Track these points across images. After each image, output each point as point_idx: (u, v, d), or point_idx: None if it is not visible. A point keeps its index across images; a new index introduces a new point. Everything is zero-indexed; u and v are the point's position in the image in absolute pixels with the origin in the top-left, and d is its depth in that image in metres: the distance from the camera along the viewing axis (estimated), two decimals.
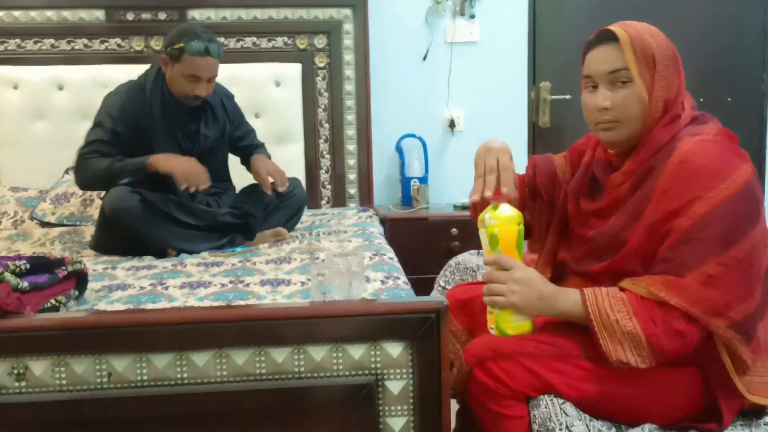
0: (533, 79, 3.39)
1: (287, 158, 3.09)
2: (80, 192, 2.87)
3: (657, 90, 1.36)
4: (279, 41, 3.18)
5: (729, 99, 3.51)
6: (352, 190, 3.27)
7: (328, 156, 3.26)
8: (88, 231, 2.63)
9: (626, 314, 1.28)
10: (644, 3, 3.41)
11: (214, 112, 2.54)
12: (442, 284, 2.16)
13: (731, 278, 1.26)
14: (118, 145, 2.36)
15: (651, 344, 1.26)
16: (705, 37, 3.46)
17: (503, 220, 1.39)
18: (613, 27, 1.39)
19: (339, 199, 3.27)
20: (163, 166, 2.29)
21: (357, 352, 1.25)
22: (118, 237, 2.29)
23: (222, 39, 2.85)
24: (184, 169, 2.29)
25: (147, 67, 2.86)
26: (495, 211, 1.40)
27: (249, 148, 2.68)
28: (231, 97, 2.67)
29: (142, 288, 1.82)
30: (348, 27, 3.18)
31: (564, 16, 3.43)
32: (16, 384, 1.21)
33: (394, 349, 1.26)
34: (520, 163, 3.39)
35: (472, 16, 3.32)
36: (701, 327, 1.27)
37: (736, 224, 1.27)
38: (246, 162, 2.65)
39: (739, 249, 1.26)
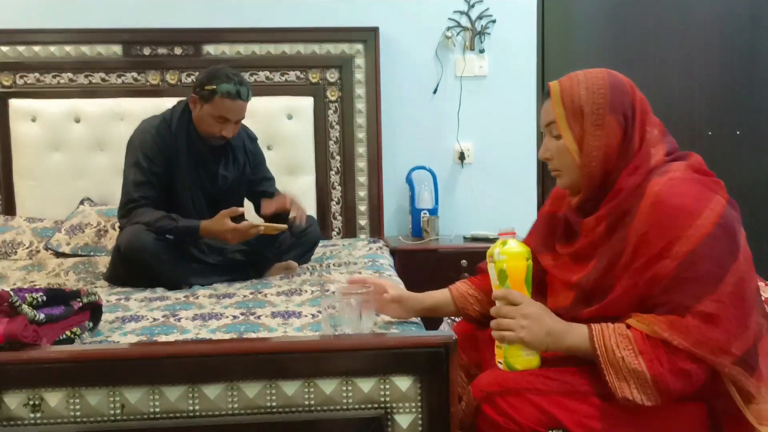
0: None
1: (298, 189, 3.12)
2: (95, 223, 2.92)
3: (589, 139, 1.40)
4: (292, 75, 3.24)
5: (738, 132, 3.53)
6: (363, 222, 3.30)
7: (339, 187, 3.30)
8: (102, 261, 2.66)
9: (632, 352, 1.29)
10: (652, 36, 3.46)
11: (234, 154, 2.58)
12: (450, 321, 2.17)
13: (728, 314, 1.27)
14: (156, 183, 2.40)
15: (656, 383, 1.27)
16: (714, 70, 3.49)
17: (512, 255, 1.41)
18: (552, 82, 1.46)
19: (350, 230, 3.30)
20: (216, 236, 2.32)
21: (366, 385, 1.27)
22: (131, 272, 2.32)
23: None
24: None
25: (162, 100, 2.95)
26: (504, 246, 1.42)
27: (266, 196, 2.64)
28: (254, 139, 2.71)
29: (155, 320, 1.84)
30: (359, 61, 3.24)
31: (573, 50, 3.48)
32: (32, 415, 1.24)
33: (404, 383, 1.27)
34: (531, 197, 3.42)
35: (482, 51, 3.37)
36: (706, 366, 1.28)
37: (720, 260, 1.30)
38: (259, 211, 2.63)
39: (728, 284, 1.28)
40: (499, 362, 1.42)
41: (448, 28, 3.34)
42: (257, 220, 2.56)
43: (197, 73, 3.12)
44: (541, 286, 1.58)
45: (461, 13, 3.35)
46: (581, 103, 1.40)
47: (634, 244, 1.35)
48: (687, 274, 1.28)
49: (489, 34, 3.36)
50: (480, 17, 3.35)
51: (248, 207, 2.70)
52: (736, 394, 1.31)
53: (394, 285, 1.82)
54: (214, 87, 2.36)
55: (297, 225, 2.45)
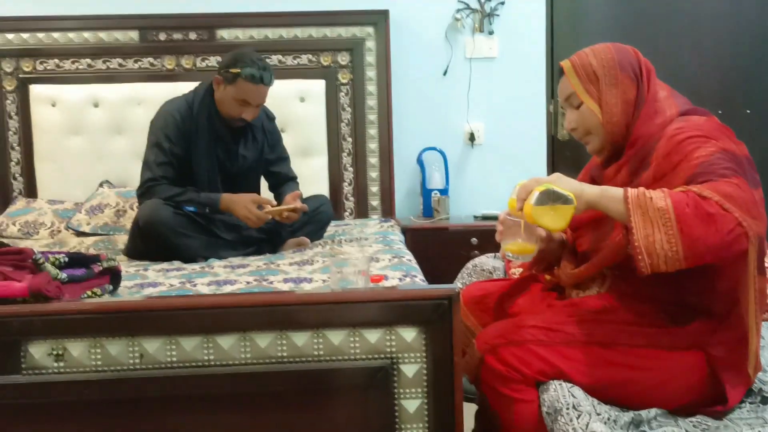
0: (552, 93, 3.46)
1: (311, 171, 3.19)
2: (114, 203, 2.99)
3: (607, 97, 1.50)
4: (304, 59, 3.30)
5: (748, 111, 3.53)
6: (375, 202, 3.36)
7: (351, 169, 3.35)
8: (121, 239, 2.74)
9: (662, 195, 1.30)
10: (663, 16, 3.47)
11: (254, 134, 2.64)
12: (460, 286, 2.22)
13: (745, 199, 1.30)
14: (176, 165, 2.47)
15: (679, 221, 1.26)
16: (725, 50, 3.50)
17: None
18: (563, 61, 1.57)
19: (362, 211, 3.35)
20: (233, 209, 2.41)
21: (373, 336, 1.32)
22: (150, 245, 2.39)
23: None
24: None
25: (178, 84, 3.01)
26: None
27: (280, 176, 2.73)
28: (273, 118, 2.77)
29: (171, 285, 1.91)
30: (370, 44, 3.29)
31: (582, 31, 3.50)
32: (55, 364, 1.30)
33: (409, 334, 1.32)
34: (541, 176, 3.45)
35: (491, 33, 3.41)
36: (733, 219, 1.26)
37: (736, 166, 1.34)
38: (274, 190, 2.72)
39: (743, 183, 1.33)
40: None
41: (458, 10, 3.38)
42: (269, 197, 2.64)
43: (212, 58, 3.21)
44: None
45: None
46: (593, 69, 1.51)
47: (653, 169, 1.41)
48: (707, 168, 1.33)
49: (498, 15, 3.39)
50: None
51: (263, 185, 2.78)
52: (752, 299, 1.34)
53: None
54: (239, 70, 2.41)
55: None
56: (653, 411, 1.34)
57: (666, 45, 3.45)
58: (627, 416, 1.32)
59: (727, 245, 1.27)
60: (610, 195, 1.35)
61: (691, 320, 1.41)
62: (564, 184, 1.37)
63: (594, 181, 1.58)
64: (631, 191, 1.32)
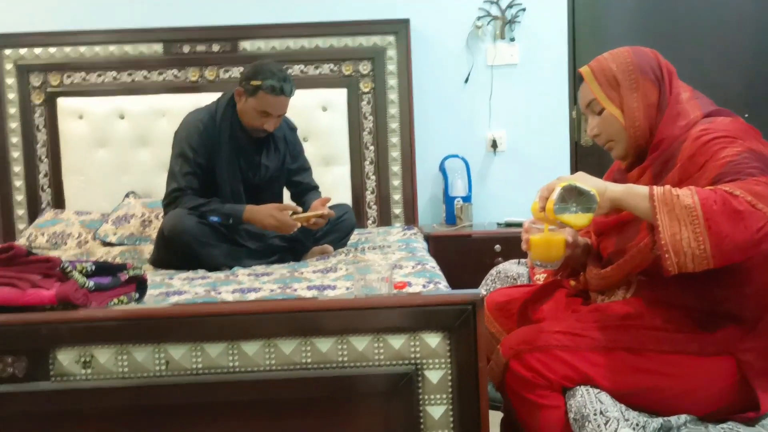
0: (574, 99, 3.44)
1: (334, 180, 3.21)
2: (139, 214, 3.03)
3: (629, 102, 1.49)
4: (325, 68, 3.32)
5: None
6: (397, 210, 3.36)
7: (373, 177, 3.36)
8: (147, 249, 2.77)
9: (688, 193, 1.28)
10: (686, 19, 3.44)
11: (276, 144, 2.66)
12: (484, 292, 2.21)
13: None
14: (200, 175, 2.49)
15: (707, 218, 1.23)
16: (750, 51, 3.46)
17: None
18: (582, 67, 1.56)
19: (384, 219, 3.35)
20: (258, 220, 2.42)
21: (397, 342, 1.31)
22: (175, 255, 2.41)
23: None
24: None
25: (201, 96, 3.04)
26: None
27: (302, 186, 2.74)
28: (294, 129, 2.79)
29: (196, 294, 1.92)
30: (391, 53, 3.30)
31: (604, 36, 3.48)
32: (83, 371, 1.31)
33: (433, 340, 1.31)
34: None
35: (512, 39, 3.40)
36: (763, 216, 1.24)
37: (764, 164, 1.31)
38: (297, 199, 2.73)
39: None
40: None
41: (479, 18, 3.38)
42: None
43: (234, 69, 3.24)
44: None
45: (491, 2, 3.39)
46: (614, 73, 1.50)
47: (678, 171, 1.39)
48: (735, 167, 1.30)
49: (519, 22, 3.39)
50: (510, 6, 3.38)
51: (286, 196, 2.79)
52: None
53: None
54: (259, 82, 2.44)
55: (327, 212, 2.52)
56: (683, 417, 1.32)
57: (690, 48, 3.42)
58: (656, 422, 1.29)
59: (756, 243, 1.24)
60: (635, 192, 1.33)
61: (720, 326, 1.39)
62: (588, 181, 1.36)
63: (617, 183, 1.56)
64: (657, 189, 1.30)
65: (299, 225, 2.41)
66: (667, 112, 1.47)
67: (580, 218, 1.33)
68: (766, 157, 1.35)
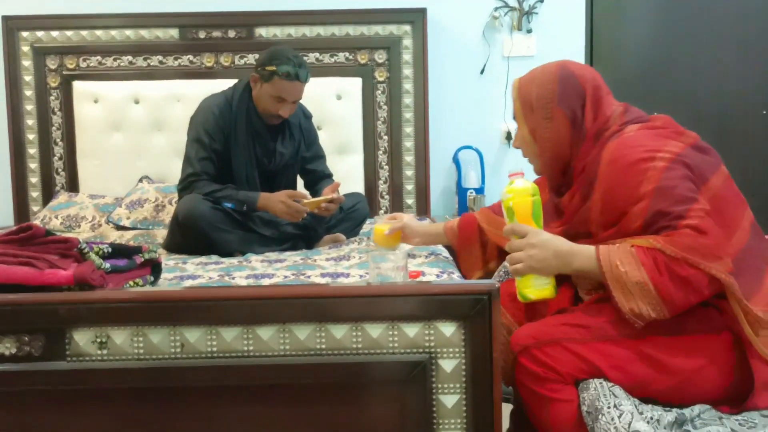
0: None
1: (347, 169, 3.20)
2: (153, 199, 3.04)
3: (540, 132, 1.50)
4: (341, 56, 3.31)
5: None
6: (410, 201, 3.35)
7: (386, 167, 3.35)
8: (160, 234, 2.78)
9: (635, 265, 1.33)
10: (706, 12, 3.40)
11: (291, 131, 2.65)
12: (497, 284, 2.20)
13: (715, 219, 1.33)
14: (215, 160, 2.50)
15: (659, 291, 1.31)
16: None
17: (517, 192, 1.48)
18: (516, 78, 1.59)
19: (397, 209, 3.34)
20: (270, 206, 2.41)
21: (412, 330, 1.32)
22: (188, 239, 2.42)
23: None
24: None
25: (217, 82, 3.05)
26: (510, 185, 1.49)
27: (316, 174, 2.73)
28: (309, 116, 2.78)
29: (210, 278, 1.93)
30: (407, 42, 3.29)
31: (622, 28, 3.45)
32: (99, 351, 1.32)
33: (448, 329, 1.31)
34: None
35: (529, 31, 3.38)
36: (704, 274, 1.31)
37: (689, 183, 1.35)
38: (310, 188, 2.73)
39: (709, 189, 1.36)
40: (518, 296, 1.49)
41: (496, 9, 3.36)
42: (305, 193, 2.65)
43: (250, 55, 3.24)
44: None
45: None
46: (531, 99, 1.51)
47: (600, 202, 1.42)
48: (662, 204, 1.34)
49: (536, 13, 3.37)
50: None
51: (299, 184, 2.79)
52: (744, 321, 1.33)
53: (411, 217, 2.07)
54: (275, 68, 2.43)
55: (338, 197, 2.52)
56: (697, 409, 1.31)
57: (709, 42, 3.39)
58: (670, 416, 1.29)
59: (707, 295, 1.33)
60: (585, 268, 1.40)
61: (716, 304, 1.40)
62: (542, 266, 1.42)
63: (555, 206, 1.60)
64: (605, 263, 1.35)
65: (308, 211, 2.41)
66: (585, 144, 1.48)
67: (543, 292, 1.45)
68: (685, 157, 1.37)
